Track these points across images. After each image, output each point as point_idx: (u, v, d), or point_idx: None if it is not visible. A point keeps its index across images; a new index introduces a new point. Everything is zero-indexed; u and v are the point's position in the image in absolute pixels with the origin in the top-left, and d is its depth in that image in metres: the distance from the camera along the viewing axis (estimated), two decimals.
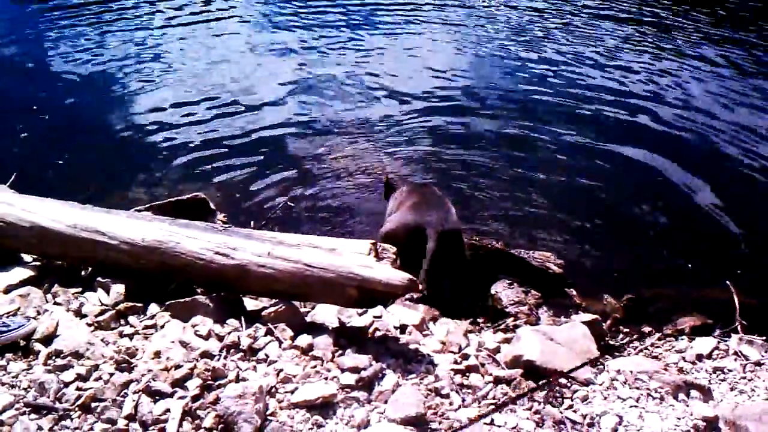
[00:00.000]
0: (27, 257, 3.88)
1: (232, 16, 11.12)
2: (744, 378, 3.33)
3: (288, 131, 6.98)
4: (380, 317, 3.40)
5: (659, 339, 4.02)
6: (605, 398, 2.85)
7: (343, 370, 2.85)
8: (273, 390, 2.73)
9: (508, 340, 3.42)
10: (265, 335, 3.10)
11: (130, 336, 3.17)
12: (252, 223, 5.07)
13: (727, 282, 4.34)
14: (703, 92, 8.45)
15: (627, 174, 6.37)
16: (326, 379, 2.80)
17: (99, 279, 3.55)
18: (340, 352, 3.00)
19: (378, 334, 3.23)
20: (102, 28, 10.26)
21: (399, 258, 3.86)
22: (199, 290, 3.54)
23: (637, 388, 2.93)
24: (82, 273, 3.82)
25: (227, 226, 3.58)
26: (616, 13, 11.82)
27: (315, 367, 2.89)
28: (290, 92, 8.04)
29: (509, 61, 9.45)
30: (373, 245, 3.22)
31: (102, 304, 3.41)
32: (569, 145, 6.97)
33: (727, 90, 8.45)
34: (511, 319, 4.01)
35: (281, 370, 2.84)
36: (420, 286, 3.13)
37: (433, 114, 7.57)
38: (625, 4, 12.27)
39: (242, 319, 3.22)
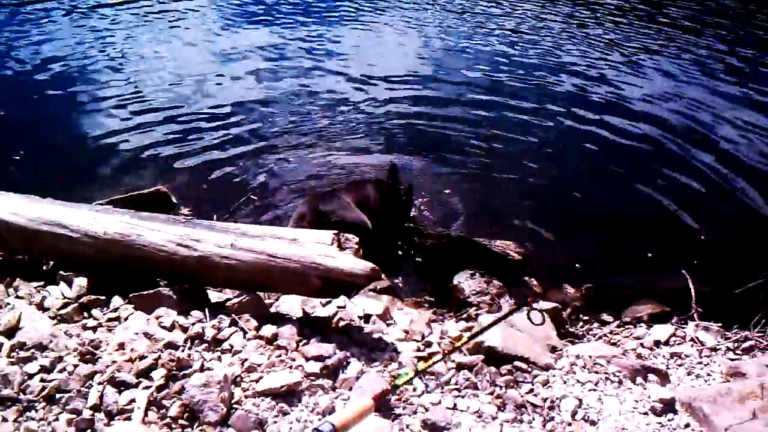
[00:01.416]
0: None
1: (197, 15, 11.07)
2: (700, 363, 3.41)
3: (252, 125, 6.99)
4: (344, 307, 3.43)
5: (618, 326, 4.10)
6: (565, 382, 2.91)
7: (307, 359, 2.87)
8: (238, 379, 2.75)
9: (470, 329, 3.46)
10: (230, 326, 3.11)
11: (94, 329, 3.15)
12: (215, 216, 5.07)
13: (683, 271, 4.44)
14: (672, 87, 8.63)
15: (588, 165, 6.50)
16: (291, 367, 2.83)
17: (61, 272, 3.52)
18: (304, 341, 3.02)
19: (342, 323, 3.26)
20: (65, 26, 10.17)
21: (361, 248, 3.90)
22: (162, 283, 3.53)
23: (596, 373, 2.99)
24: (44, 267, 3.79)
25: (190, 218, 3.56)
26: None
27: (280, 356, 2.91)
28: (256, 86, 8.07)
29: (480, 51, 9.55)
30: (336, 235, 3.24)
31: (65, 297, 3.38)
32: (531, 135, 7.12)
33: (699, 86, 8.65)
34: (473, 308, 4.07)
35: (246, 360, 2.85)
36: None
37: (399, 104, 7.65)
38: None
39: (206, 310, 3.22)
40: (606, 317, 4.30)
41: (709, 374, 3.29)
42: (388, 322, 3.45)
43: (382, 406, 2.59)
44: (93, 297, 3.36)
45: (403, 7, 11.96)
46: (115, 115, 7.06)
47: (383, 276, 3.35)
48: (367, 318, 3.41)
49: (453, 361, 2.99)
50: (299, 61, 8.87)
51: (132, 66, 8.62)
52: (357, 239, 3.69)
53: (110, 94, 7.64)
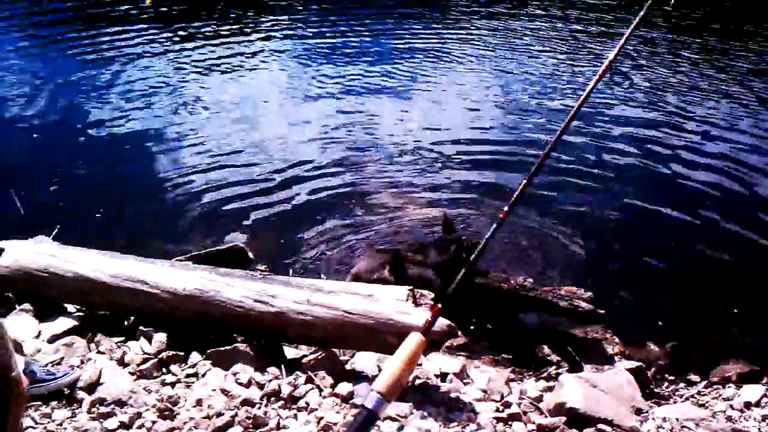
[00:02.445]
0: (71, 307, 3.93)
1: (265, 60, 11.33)
2: None
3: (325, 177, 7.03)
4: (420, 365, 3.37)
5: (706, 387, 3.93)
6: None
7: (383, 419, 2.83)
8: None
9: (550, 389, 3.36)
10: (306, 383, 3.09)
11: (172, 384, 3.18)
12: (290, 271, 5.10)
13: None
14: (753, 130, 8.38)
15: (668, 211, 6.27)
16: None
17: (141, 328, 3.58)
18: None
19: (418, 382, 3.20)
20: (133, 74, 10.51)
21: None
22: (239, 339, 3.55)
23: None
24: (125, 323, 3.85)
25: (266, 273, 3.61)
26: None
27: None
28: (326, 135, 8.14)
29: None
30: (411, 291, 3.22)
31: (144, 353, 3.43)
32: (610, 180, 6.94)
33: None
34: (554, 367, 3.95)
35: (322, 418, 2.82)
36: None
37: (467, 152, 7.62)
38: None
39: (282, 367, 3.22)
40: (692, 377, 4.11)
41: None
42: (465, 381, 3.37)
43: None
44: (172, 353, 3.39)
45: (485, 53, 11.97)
46: (191, 170, 7.19)
47: (459, 333, 3.27)
48: (443, 376, 3.34)
49: (533, 422, 2.91)
50: (382, 116, 8.90)
51: (209, 117, 8.79)
52: (432, 295, 3.65)
53: (186, 146, 7.79)
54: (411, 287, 3.27)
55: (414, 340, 1.97)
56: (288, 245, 5.69)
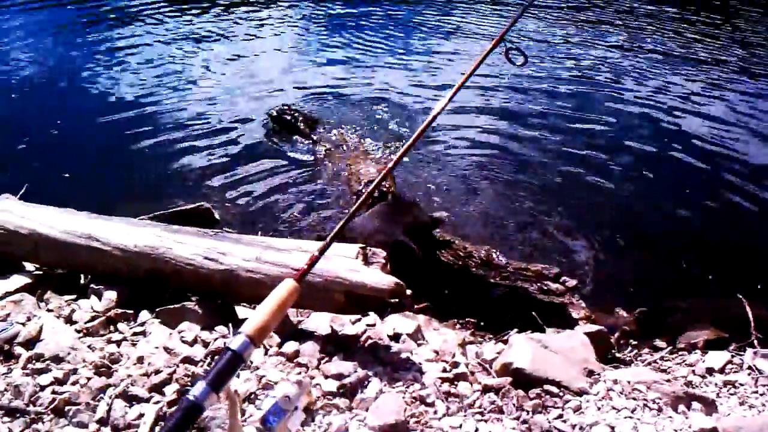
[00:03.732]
0: (29, 266, 3.87)
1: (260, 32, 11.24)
2: (756, 392, 3.16)
3: (308, 147, 6.96)
4: (374, 326, 3.31)
5: (671, 353, 3.87)
6: (599, 408, 2.71)
7: (326, 377, 2.77)
8: (252, 396, 2.65)
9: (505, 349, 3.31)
10: None
11: (118, 342, 3.11)
12: (259, 233, 5.03)
13: (739, 295, 4.19)
14: (733, 107, 8.29)
15: (644, 182, 6.23)
16: None
17: (93, 286, 3.51)
18: (326, 359, 2.91)
19: (369, 342, 3.14)
20: (117, 41, 10.46)
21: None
22: (193, 297, 3.48)
23: (634, 399, 2.79)
24: (82, 281, 3.79)
25: (219, 231, 3.52)
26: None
27: (299, 373, 2.81)
28: (318, 101, 8.11)
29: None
30: (362, 249, 3.14)
31: (93, 311, 3.36)
32: (586, 149, 6.92)
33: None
34: (515, 330, 3.88)
35: (263, 377, 2.76)
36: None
37: (451, 128, 7.53)
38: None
39: (230, 325, 3.16)
40: (659, 343, 4.04)
41: (764, 404, 3.03)
42: (419, 342, 3.30)
43: (400, 428, 2.47)
44: (120, 311, 3.32)
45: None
46: (166, 132, 7.16)
47: (408, 293, 3.19)
48: (396, 337, 3.27)
49: (479, 382, 2.84)
50: (362, 88, 8.83)
51: (190, 84, 8.76)
52: (384, 254, 3.57)
53: (163, 111, 7.77)
54: (363, 245, 3.19)
55: (286, 286, 1.92)
56: (258, 209, 5.65)
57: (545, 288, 4.35)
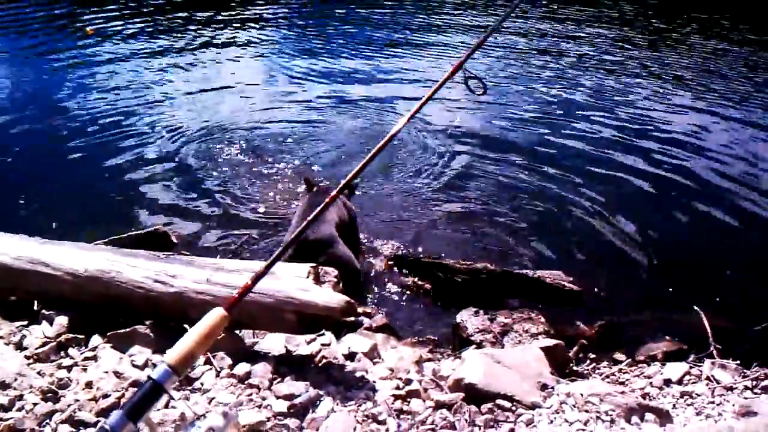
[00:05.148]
0: None
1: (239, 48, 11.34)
2: (712, 402, 3.19)
3: (270, 166, 6.95)
4: (329, 345, 3.29)
5: (630, 365, 3.88)
6: (551, 422, 2.71)
7: (278, 398, 2.74)
8: (201, 418, 2.61)
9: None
10: (204, 364, 3.00)
11: (69, 368, 3.07)
12: (218, 256, 5.00)
13: (695, 307, 4.22)
14: (705, 123, 8.44)
15: (605, 198, 6.25)
16: (259, 407, 2.69)
17: (44, 311, 3.46)
18: (279, 379, 2.89)
19: (324, 362, 3.11)
20: (76, 60, 10.53)
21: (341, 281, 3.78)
22: (147, 322, 3.43)
23: (587, 411, 2.78)
24: (35, 307, 3.73)
25: (170, 254, 3.49)
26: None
27: (250, 395, 2.78)
28: (287, 123, 8.23)
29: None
30: (313, 268, 3.12)
31: (45, 336, 3.30)
32: (547, 164, 7.03)
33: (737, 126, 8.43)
34: (474, 346, 3.88)
35: (213, 399, 2.73)
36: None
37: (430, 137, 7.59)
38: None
39: None
40: (618, 356, 4.06)
41: (720, 414, 3.05)
42: (374, 360, 3.28)
43: None
44: (71, 336, 3.27)
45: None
46: (124, 155, 7.13)
47: (361, 311, 3.19)
48: (351, 356, 3.24)
49: (432, 399, 2.83)
50: (321, 109, 8.89)
51: (150, 105, 8.77)
52: (336, 272, 3.56)
53: (122, 135, 7.75)
54: (314, 264, 3.17)
55: (214, 315, 1.90)
56: (218, 230, 5.60)
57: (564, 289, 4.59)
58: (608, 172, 6.89)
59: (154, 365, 2.90)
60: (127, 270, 3.26)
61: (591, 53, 11.77)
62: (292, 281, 3.02)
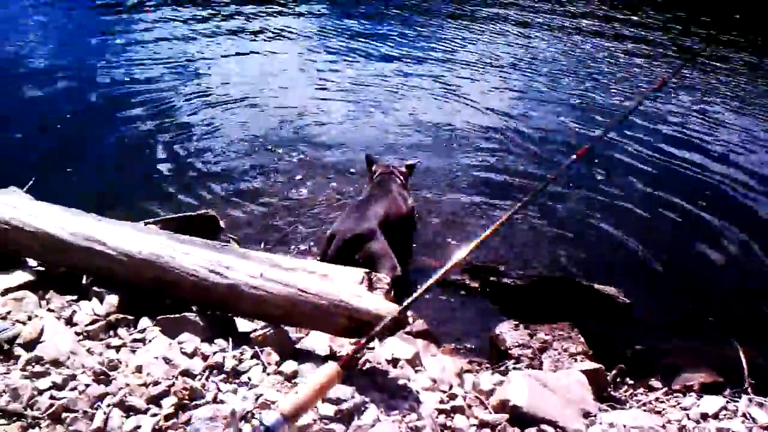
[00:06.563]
0: (32, 262, 3.87)
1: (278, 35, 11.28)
2: None
3: (322, 156, 6.98)
4: (372, 349, 3.31)
5: (665, 394, 3.88)
6: None
7: (323, 401, 2.76)
8: (249, 415, 2.65)
9: (503, 383, 3.31)
10: (251, 358, 3.02)
11: (117, 348, 3.12)
12: (262, 244, 5.05)
13: (733, 340, 4.20)
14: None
15: (647, 221, 6.19)
16: None
17: (95, 288, 3.52)
18: None
19: (367, 366, 3.14)
20: (135, 38, 10.49)
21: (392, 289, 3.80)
22: (193, 308, 3.48)
23: None
24: (83, 282, 3.79)
25: (225, 244, 3.53)
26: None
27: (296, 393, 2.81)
28: (327, 114, 8.23)
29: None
30: (367, 274, 3.15)
31: (94, 314, 3.36)
32: (592, 185, 6.91)
33: None
34: (513, 361, 3.90)
35: (260, 395, 2.76)
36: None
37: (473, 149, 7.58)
38: None
39: (230, 339, 3.16)
40: (654, 383, 4.06)
41: None
42: (416, 368, 3.31)
43: None
44: (121, 316, 3.33)
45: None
46: (176, 133, 7.18)
47: (412, 319, 3.21)
48: (395, 362, 3.27)
49: (476, 417, 2.85)
50: (380, 102, 8.87)
51: (206, 87, 8.80)
52: (388, 280, 3.59)
53: (178, 112, 7.82)
54: (368, 270, 3.20)
55: (329, 370, 1.93)
56: (265, 218, 5.63)
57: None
58: (653, 191, 6.80)
59: (222, 354, 2.96)
60: (182, 257, 3.29)
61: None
62: (346, 286, 3.05)
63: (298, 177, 6.45)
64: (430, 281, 2.31)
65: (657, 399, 3.76)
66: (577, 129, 8.21)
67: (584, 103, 9.19)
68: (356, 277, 3.10)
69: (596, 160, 7.20)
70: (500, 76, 10.04)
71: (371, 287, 3.16)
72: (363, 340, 2.11)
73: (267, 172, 6.52)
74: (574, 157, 2.94)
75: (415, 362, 3.34)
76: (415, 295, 2.24)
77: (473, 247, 2.34)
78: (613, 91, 9.74)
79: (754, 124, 8.94)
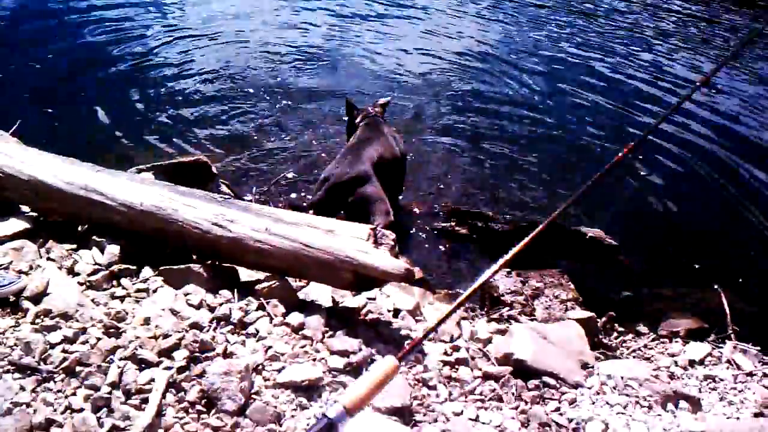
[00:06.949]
0: (25, 208, 3.84)
1: None
2: (734, 389, 3.29)
3: (308, 101, 6.93)
4: (374, 299, 3.37)
5: (653, 340, 3.99)
6: (593, 403, 2.82)
7: (332, 353, 2.82)
8: (260, 367, 2.70)
9: (501, 331, 3.39)
10: (257, 310, 3.07)
11: (121, 299, 3.14)
12: (253, 189, 5.05)
13: (716, 286, 4.31)
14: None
15: (635, 173, 6.24)
16: (314, 360, 2.78)
17: (95, 238, 3.51)
18: (330, 333, 2.97)
19: (370, 316, 3.20)
20: None
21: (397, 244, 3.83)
22: (194, 257, 3.49)
23: (627, 395, 2.89)
24: (79, 229, 3.77)
25: (226, 197, 3.52)
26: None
27: (304, 347, 2.86)
28: (312, 60, 8.08)
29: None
30: (372, 230, 3.18)
31: (96, 264, 3.36)
32: (579, 132, 6.99)
33: None
34: (506, 308, 3.97)
35: (270, 348, 2.81)
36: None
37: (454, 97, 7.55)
38: None
39: (235, 291, 3.19)
40: (641, 329, 4.16)
41: (742, 401, 3.16)
42: (417, 318, 3.37)
43: (405, 411, 2.54)
44: (124, 266, 3.34)
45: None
46: (166, 82, 7.08)
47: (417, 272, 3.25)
48: (396, 313, 3.33)
49: (480, 369, 2.93)
50: (371, 49, 8.79)
51: (195, 35, 8.67)
52: (393, 236, 3.62)
53: (166, 61, 7.70)
54: (373, 226, 3.22)
55: (387, 364, 1.95)
56: (255, 164, 5.62)
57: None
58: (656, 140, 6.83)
59: (229, 305, 2.99)
60: (184, 209, 3.29)
61: None
62: (352, 241, 3.07)
63: (283, 122, 6.42)
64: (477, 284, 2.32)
65: (645, 346, 3.86)
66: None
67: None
68: (362, 233, 3.12)
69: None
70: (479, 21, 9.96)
71: (376, 243, 3.19)
72: (420, 336, 2.15)
73: (251, 118, 6.46)
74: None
75: (415, 312, 3.40)
76: (456, 302, 2.27)
77: (540, 229, 2.35)
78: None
79: None
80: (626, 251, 4.83)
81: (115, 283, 3.29)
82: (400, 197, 5.25)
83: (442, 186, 5.68)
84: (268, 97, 6.94)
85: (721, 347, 3.75)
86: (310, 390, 2.61)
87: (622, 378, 2.98)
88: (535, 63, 8.83)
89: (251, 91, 7.07)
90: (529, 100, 7.61)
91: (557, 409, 2.74)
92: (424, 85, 7.72)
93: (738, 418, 2.96)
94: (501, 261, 2.23)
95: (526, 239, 2.24)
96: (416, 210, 5.27)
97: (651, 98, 7.94)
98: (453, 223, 5.07)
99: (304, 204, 4.70)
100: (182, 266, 3.29)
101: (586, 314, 3.73)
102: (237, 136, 6.11)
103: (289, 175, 5.45)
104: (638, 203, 5.74)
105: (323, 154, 5.84)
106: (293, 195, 5.20)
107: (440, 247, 4.94)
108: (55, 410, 2.39)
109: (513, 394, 2.78)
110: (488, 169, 6.07)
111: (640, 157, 6.38)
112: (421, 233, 5.04)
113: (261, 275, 3.38)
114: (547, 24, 10.61)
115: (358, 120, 5.16)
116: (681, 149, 6.72)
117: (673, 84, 8.46)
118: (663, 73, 8.85)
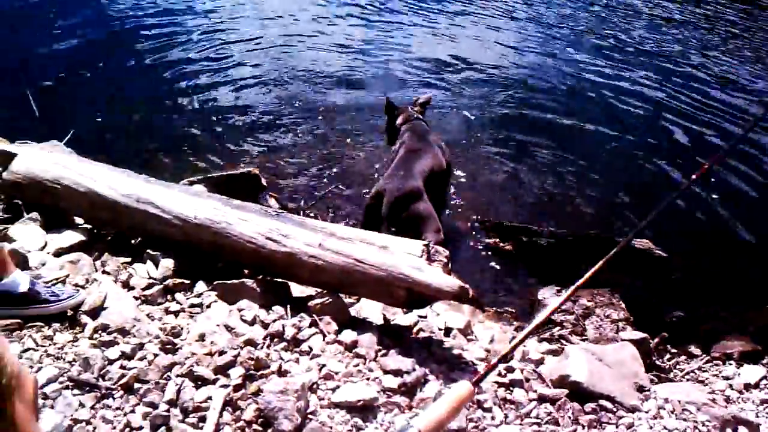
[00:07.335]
0: (79, 220, 3.89)
1: None
2: None
3: (348, 112, 6.95)
4: (425, 317, 3.36)
5: (706, 362, 3.93)
6: (651, 428, 2.77)
7: (385, 372, 2.81)
8: (314, 386, 2.70)
9: (552, 352, 3.37)
10: (310, 326, 3.06)
11: (176, 313, 3.16)
12: (302, 202, 5.07)
13: None
14: None
15: (695, 190, 6.14)
16: (368, 379, 2.77)
17: (149, 251, 3.54)
18: (383, 351, 2.95)
19: (422, 335, 3.19)
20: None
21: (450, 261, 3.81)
22: (246, 271, 3.51)
23: (684, 420, 2.84)
24: (132, 242, 3.81)
25: (280, 211, 3.54)
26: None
27: (358, 365, 2.85)
28: (358, 72, 8.10)
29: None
30: (426, 246, 3.17)
31: (150, 277, 3.39)
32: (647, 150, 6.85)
33: None
34: (557, 327, 3.94)
35: (324, 366, 2.80)
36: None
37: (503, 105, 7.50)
38: None
39: (288, 307, 3.19)
40: (694, 350, 4.10)
41: None
42: (468, 337, 3.36)
43: None
44: (178, 280, 3.36)
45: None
46: (216, 90, 7.15)
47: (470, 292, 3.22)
48: (447, 331, 3.32)
49: (535, 391, 2.90)
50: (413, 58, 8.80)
51: (249, 47, 8.72)
52: (447, 253, 3.60)
53: (218, 69, 7.78)
54: (426, 242, 3.22)
55: (462, 389, 1.95)
56: (305, 176, 5.64)
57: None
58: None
59: (282, 321, 2.99)
60: (238, 223, 3.31)
61: None
62: (406, 258, 3.06)
63: (326, 133, 6.46)
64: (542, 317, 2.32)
65: (699, 368, 3.81)
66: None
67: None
68: (415, 249, 3.11)
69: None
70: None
71: (430, 260, 3.18)
72: (494, 361, 2.14)
73: (309, 132, 6.50)
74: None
75: (467, 331, 3.39)
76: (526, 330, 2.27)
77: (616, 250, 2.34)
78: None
79: None
80: (675, 266, 4.75)
81: (169, 297, 3.31)
82: (447, 212, 5.22)
83: (483, 199, 5.64)
84: (310, 109, 6.97)
85: None
86: (365, 411, 2.60)
87: (679, 402, 2.93)
88: (595, 70, 8.76)
89: (296, 103, 7.10)
90: (577, 108, 7.53)
91: None
92: (473, 95, 7.68)
93: None
94: (576, 284, 2.21)
95: (601, 262, 2.22)
96: (459, 225, 5.24)
97: (719, 116, 7.77)
98: (497, 239, 5.04)
99: (352, 219, 4.71)
100: (236, 281, 3.30)
101: (640, 335, 3.69)
102: (278, 147, 6.14)
103: (335, 189, 5.46)
104: (687, 217, 5.64)
105: (368, 167, 5.84)
106: (341, 209, 5.21)
107: (484, 262, 4.91)
108: (114, 428, 2.40)
109: (570, 417, 2.75)
110: (530, 180, 6.03)
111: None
112: (464, 249, 5.01)
113: (312, 291, 3.39)
114: (614, 28, 10.46)
115: (399, 122, 5.12)
116: (738, 162, 6.60)
117: (743, 99, 8.28)
118: (737, 89, 8.70)
